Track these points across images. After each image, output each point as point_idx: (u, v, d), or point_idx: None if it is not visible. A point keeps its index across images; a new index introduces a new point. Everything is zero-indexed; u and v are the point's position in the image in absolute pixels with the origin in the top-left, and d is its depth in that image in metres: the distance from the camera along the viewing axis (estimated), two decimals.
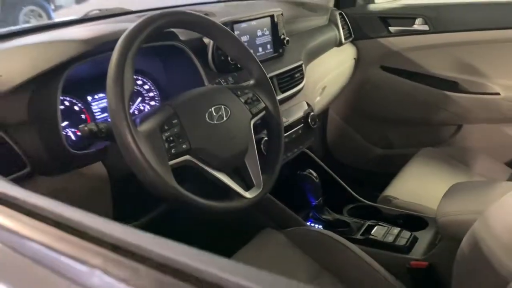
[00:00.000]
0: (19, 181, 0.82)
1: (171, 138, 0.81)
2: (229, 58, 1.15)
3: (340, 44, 1.83)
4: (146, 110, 1.19)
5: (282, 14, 1.37)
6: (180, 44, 1.09)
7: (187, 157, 0.83)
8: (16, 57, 0.93)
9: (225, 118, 0.90)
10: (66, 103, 1.01)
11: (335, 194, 1.49)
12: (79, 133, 0.97)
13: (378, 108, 2.03)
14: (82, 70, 0.94)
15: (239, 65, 1.15)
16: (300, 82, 1.41)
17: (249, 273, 0.30)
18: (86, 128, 0.80)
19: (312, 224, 1.35)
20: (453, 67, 1.81)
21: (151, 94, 1.20)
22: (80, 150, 0.90)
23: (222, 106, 0.91)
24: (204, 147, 0.85)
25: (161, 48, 1.08)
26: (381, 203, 1.43)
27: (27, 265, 0.37)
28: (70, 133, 1.00)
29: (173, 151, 0.80)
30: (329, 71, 1.77)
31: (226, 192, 0.89)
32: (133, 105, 1.16)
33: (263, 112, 0.99)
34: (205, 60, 1.14)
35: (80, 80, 1.00)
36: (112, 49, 0.79)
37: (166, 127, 0.81)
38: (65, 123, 0.98)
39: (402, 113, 1.99)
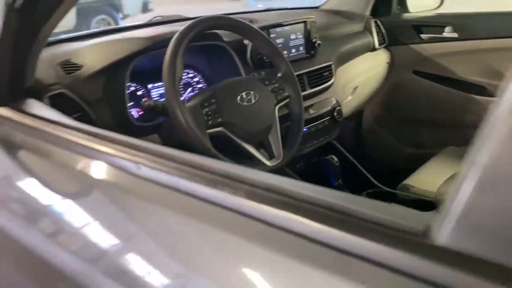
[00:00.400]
0: None
1: (209, 113, 1.04)
2: (264, 57, 1.37)
3: (374, 49, 1.99)
4: None
5: (315, 21, 1.58)
6: (224, 44, 1.33)
7: (220, 128, 1.06)
8: (95, 51, 1.20)
9: (253, 101, 1.12)
10: (132, 88, 1.27)
11: (357, 181, 1.65)
12: (140, 112, 1.23)
13: (410, 110, 2.16)
14: (144, 63, 1.19)
15: (272, 62, 1.36)
16: (328, 80, 1.60)
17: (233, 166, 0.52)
18: (146, 103, 1.05)
19: None
20: (481, 72, 1.92)
21: (199, 85, 1.44)
22: (142, 123, 1.16)
23: (251, 92, 1.12)
24: (235, 122, 1.07)
25: (208, 47, 1.32)
26: (399, 191, 1.57)
27: (106, 167, 0.62)
28: (133, 112, 1.26)
29: (210, 122, 1.03)
30: (362, 73, 1.94)
31: (251, 160, 1.11)
32: (184, 93, 1.40)
33: (287, 100, 1.20)
34: (244, 57, 1.37)
35: (143, 71, 1.25)
36: (167, 45, 1.03)
37: (206, 104, 1.04)
38: (131, 103, 1.24)
39: (432, 115, 2.11)
